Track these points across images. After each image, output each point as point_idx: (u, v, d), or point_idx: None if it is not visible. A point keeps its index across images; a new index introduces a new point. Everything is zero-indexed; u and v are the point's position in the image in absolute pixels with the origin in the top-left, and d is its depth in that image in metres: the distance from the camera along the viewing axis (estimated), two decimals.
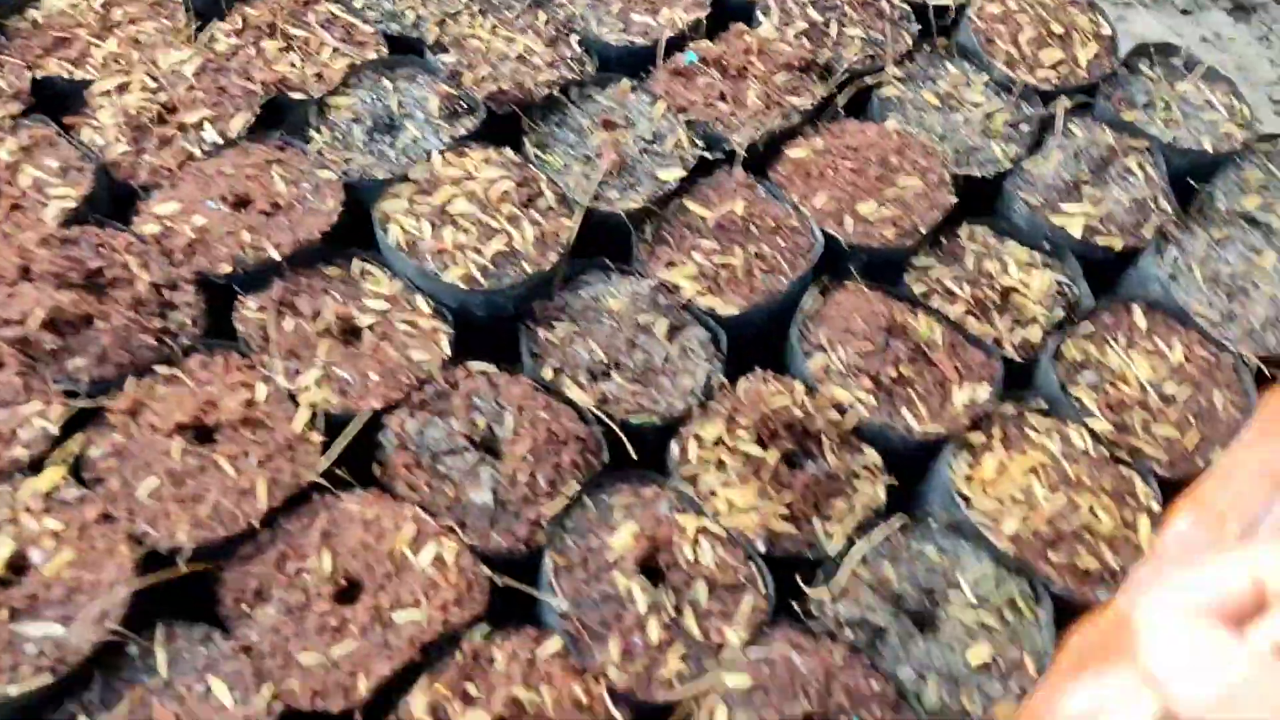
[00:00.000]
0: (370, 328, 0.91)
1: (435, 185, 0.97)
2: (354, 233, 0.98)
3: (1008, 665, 0.79)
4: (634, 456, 0.86)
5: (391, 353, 0.89)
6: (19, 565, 0.75)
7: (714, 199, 1.01)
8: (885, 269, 1.01)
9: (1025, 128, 1.11)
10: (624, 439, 0.85)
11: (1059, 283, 1.02)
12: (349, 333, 0.91)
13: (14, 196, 0.95)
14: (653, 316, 0.93)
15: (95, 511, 0.77)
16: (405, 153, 1.02)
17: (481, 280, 0.91)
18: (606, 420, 0.86)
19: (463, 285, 0.91)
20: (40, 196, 0.95)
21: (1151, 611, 0.47)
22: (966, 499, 0.86)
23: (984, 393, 0.92)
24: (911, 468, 0.91)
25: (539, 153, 1.03)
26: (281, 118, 1.07)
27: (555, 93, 1.07)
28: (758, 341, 0.97)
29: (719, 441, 0.87)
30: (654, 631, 0.76)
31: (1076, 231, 1.02)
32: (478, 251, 0.93)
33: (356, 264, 0.96)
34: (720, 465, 0.86)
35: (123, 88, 1.05)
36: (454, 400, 0.86)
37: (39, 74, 1.05)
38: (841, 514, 0.85)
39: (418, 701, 0.72)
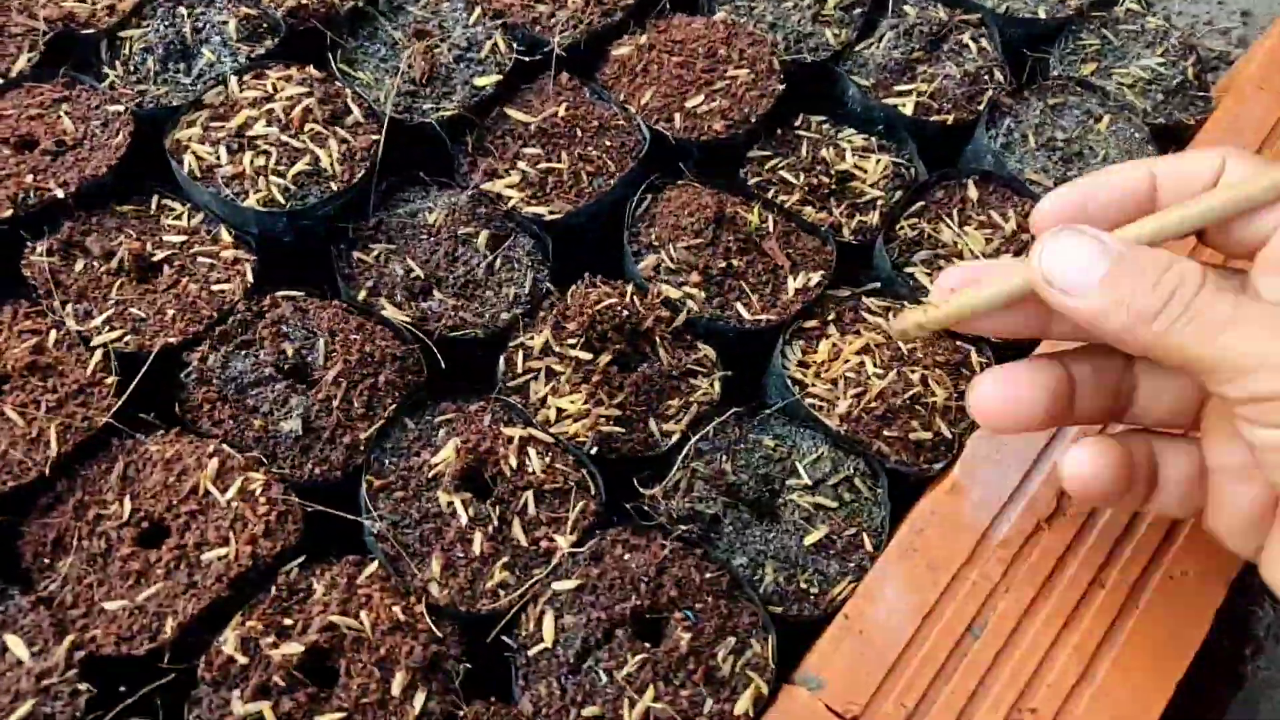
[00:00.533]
0: (167, 262, 0.86)
1: (232, 109, 0.91)
2: (156, 167, 0.91)
3: (845, 544, 0.78)
4: (452, 371, 0.82)
5: (191, 286, 0.84)
6: None
7: (536, 104, 0.97)
8: (720, 163, 0.98)
9: (858, 10, 1.08)
10: (437, 354, 0.81)
11: (896, 164, 1.00)
12: (146, 270, 0.86)
13: None
14: (474, 228, 0.89)
15: None
16: (201, 79, 0.95)
17: (282, 202, 0.86)
18: (422, 337, 0.82)
19: (262, 209, 0.85)
20: None
21: (1042, 213, 0.63)
22: (801, 384, 0.84)
23: (817, 278, 0.90)
24: (751, 360, 0.89)
25: (348, 69, 0.98)
26: (71, 54, 0.99)
27: (362, 4, 1.01)
28: (592, 246, 0.94)
29: (547, 349, 0.84)
30: (478, 544, 0.74)
31: (909, 111, 1.00)
32: (278, 174, 0.87)
33: (155, 199, 0.90)
34: (550, 373, 0.83)
35: None
36: (260, 330, 0.81)
37: None
38: (676, 412, 0.83)
39: (229, 638, 0.69)
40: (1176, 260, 0.55)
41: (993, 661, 0.73)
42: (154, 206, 0.90)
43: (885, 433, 0.82)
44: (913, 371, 0.85)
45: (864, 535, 0.79)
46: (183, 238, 0.87)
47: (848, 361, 0.85)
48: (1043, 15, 1.10)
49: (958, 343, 0.88)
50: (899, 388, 0.83)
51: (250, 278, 0.85)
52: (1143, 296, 0.53)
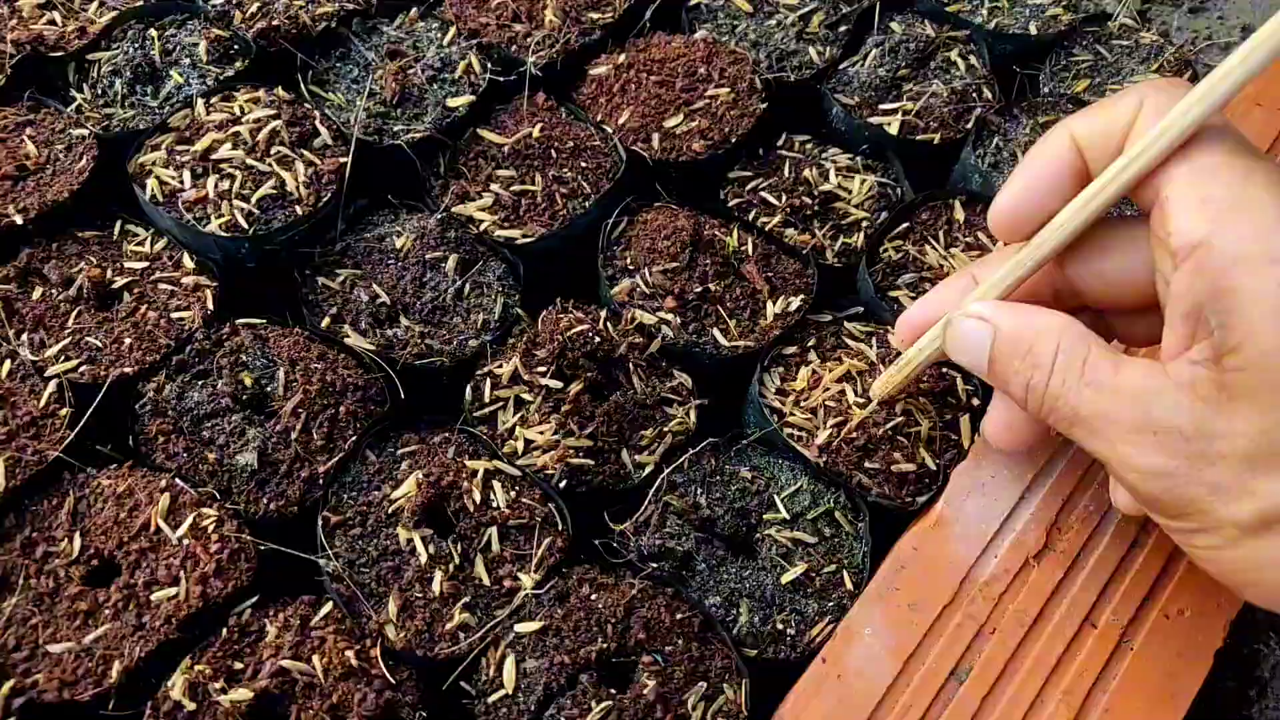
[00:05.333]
0: (127, 290, 0.83)
1: (198, 132, 0.89)
2: (121, 192, 0.89)
3: (824, 582, 0.75)
4: (418, 401, 0.79)
5: (150, 314, 0.82)
6: None
7: (510, 125, 0.95)
8: (700, 185, 0.95)
9: (843, 28, 1.05)
10: (398, 384, 0.78)
11: (881, 185, 0.97)
12: (105, 297, 0.83)
13: None
14: (443, 252, 0.86)
15: None
16: (169, 101, 0.93)
17: (245, 226, 0.84)
18: (386, 365, 0.79)
19: (224, 234, 0.83)
20: None
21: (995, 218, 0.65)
22: (779, 413, 0.81)
23: (797, 302, 0.87)
24: (728, 387, 0.86)
25: (319, 90, 0.96)
26: (39, 77, 0.97)
27: (335, 25, 0.99)
28: (566, 270, 0.91)
29: (516, 378, 0.81)
30: (437, 584, 0.70)
31: (895, 130, 0.98)
32: (243, 198, 0.85)
33: (118, 225, 0.88)
34: (518, 403, 0.80)
35: None
36: (218, 359, 0.79)
37: None
38: (650, 442, 0.80)
39: (177, 683, 0.66)
40: (1046, 332, 0.59)
41: (978, 708, 0.69)
42: (117, 232, 0.88)
43: (867, 464, 0.79)
44: (896, 401, 0.81)
45: (844, 573, 0.75)
46: (144, 264, 0.85)
47: (828, 390, 0.81)
48: (1033, 31, 1.08)
49: (943, 370, 0.85)
50: (881, 418, 0.80)
51: (210, 305, 0.82)
52: (1024, 371, 0.59)
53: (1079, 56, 1.08)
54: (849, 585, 0.75)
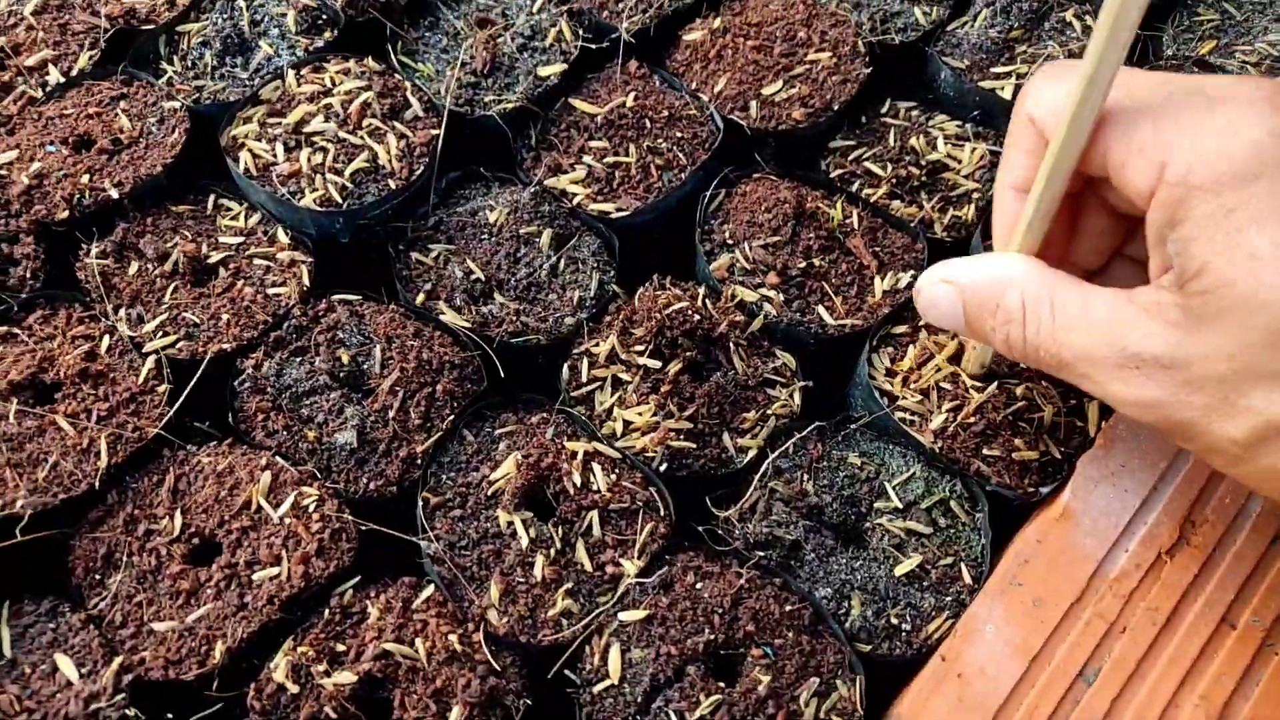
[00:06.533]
0: (223, 265, 0.82)
1: (289, 105, 0.87)
2: (213, 165, 0.88)
3: (940, 575, 0.71)
4: (514, 379, 0.77)
5: (246, 290, 0.81)
6: None
7: (602, 94, 0.91)
8: (800, 155, 0.91)
9: None
10: (497, 362, 0.76)
11: (993, 153, 0.92)
12: (201, 272, 0.83)
13: None
14: (536, 227, 0.84)
15: None
16: (259, 73, 0.92)
17: (339, 201, 0.82)
18: (482, 343, 0.77)
19: (319, 208, 0.81)
20: None
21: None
22: (890, 395, 0.77)
23: (907, 278, 0.82)
24: (834, 368, 0.82)
25: (408, 61, 0.93)
26: (130, 50, 0.97)
27: None
28: (661, 245, 0.88)
29: (613, 357, 0.78)
30: (539, 569, 0.68)
31: (1008, 94, 0.92)
32: (336, 171, 0.83)
33: (211, 199, 0.87)
34: (616, 383, 0.78)
35: None
36: (315, 336, 0.78)
37: None
38: (752, 425, 0.77)
39: (280, 665, 0.65)
40: (1008, 283, 0.59)
41: (1108, 710, 0.65)
42: (210, 206, 0.87)
43: (985, 451, 0.74)
44: (1016, 384, 0.77)
45: (962, 566, 0.71)
46: (239, 239, 0.84)
47: (941, 370, 0.77)
48: None
49: None
50: (1001, 401, 0.75)
51: (306, 280, 0.81)
52: (1000, 327, 0.59)
53: (1204, 16, 1.01)
54: (967, 579, 0.71)
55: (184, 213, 0.86)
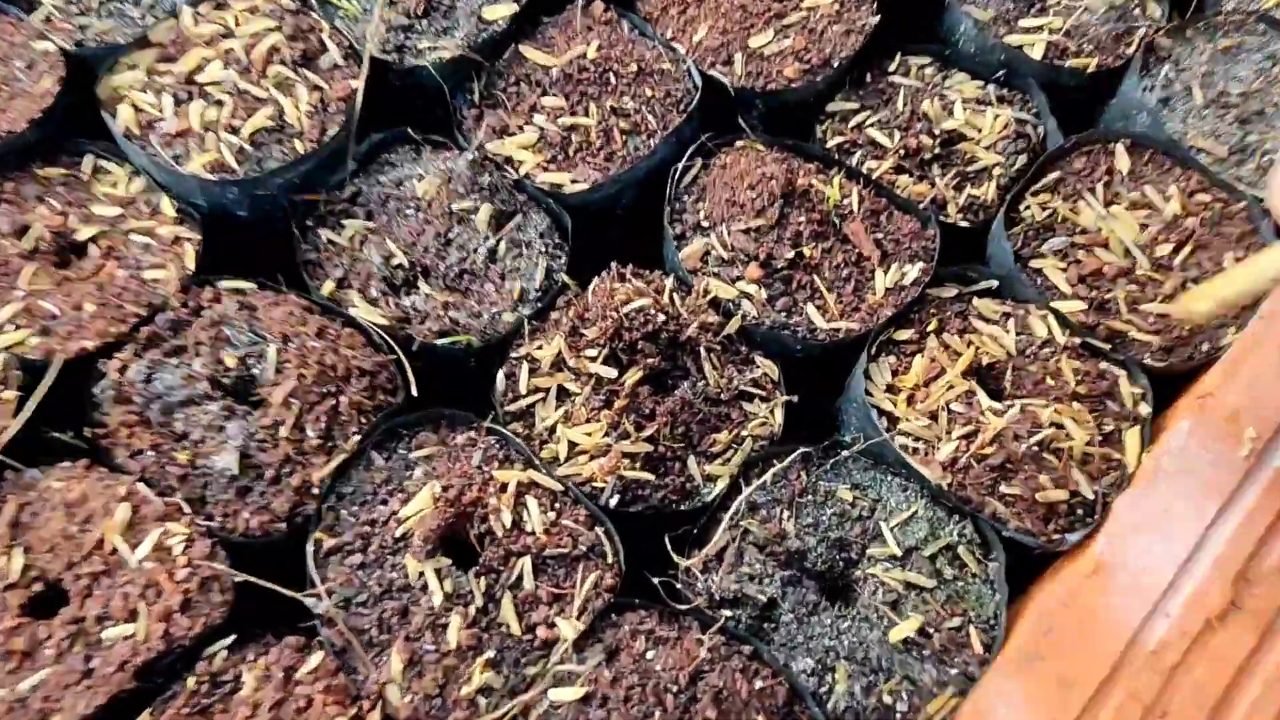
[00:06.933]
0: (94, 242, 0.69)
1: (183, 48, 0.73)
2: (94, 120, 0.74)
3: (945, 641, 0.59)
4: (438, 390, 0.64)
5: (118, 274, 0.67)
6: None
7: (560, 42, 0.77)
8: (793, 119, 0.77)
9: None
10: (409, 370, 0.63)
11: (1019, 122, 0.78)
12: (66, 251, 0.69)
13: None
14: (474, 202, 0.70)
15: None
16: (152, 10, 0.77)
17: (235, 167, 0.68)
18: (400, 345, 0.64)
19: (208, 175, 0.67)
20: None
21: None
22: (890, 417, 0.64)
23: (915, 272, 0.69)
24: (823, 380, 0.69)
25: None
26: None
27: None
28: (624, 227, 0.74)
29: (559, 363, 0.65)
30: (455, 632, 0.56)
31: (1038, 53, 0.78)
32: (232, 130, 0.69)
33: (88, 161, 0.73)
34: (561, 395, 0.65)
35: None
36: (195, 332, 0.64)
37: None
38: (724, 449, 0.64)
39: None
40: None
41: None
42: (87, 170, 0.73)
43: (1003, 488, 0.62)
44: (1042, 405, 0.64)
45: (971, 630, 0.59)
46: (116, 210, 0.70)
47: (953, 388, 0.64)
48: None
49: (1101, 366, 0.67)
50: (1024, 427, 0.62)
51: (190, 264, 0.68)
52: None
53: None
54: (977, 647, 0.58)
55: (54, 178, 0.72)
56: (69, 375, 0.63)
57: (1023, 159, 0.77)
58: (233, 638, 0.57)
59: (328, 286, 0.67)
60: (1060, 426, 0.63)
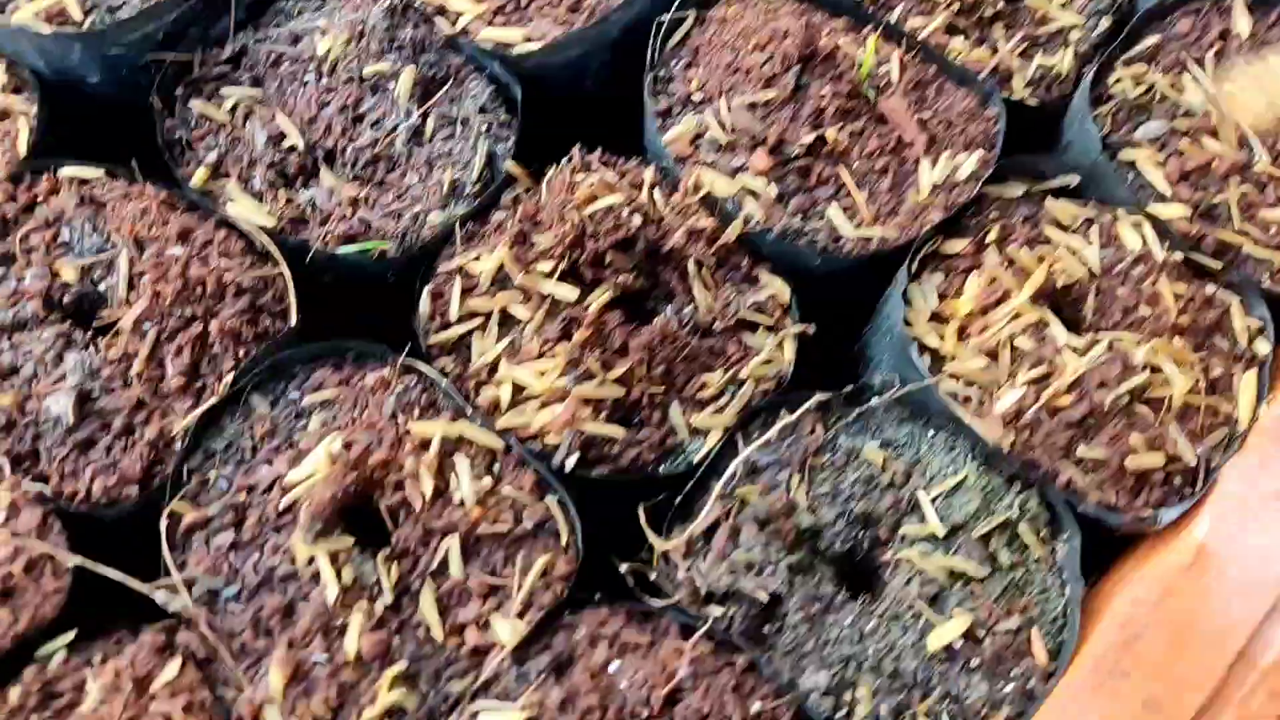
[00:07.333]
0: None
1: None
2: None
3: (999, 647, 0.46)
4: (340, 314, 0.49)
5: None
6: None
7: None
8: None
9: None
10: (291, 285, 0.48)
11: None
12: None
13: None
14: (392, 64, 0.54)
15: None
16: None
17: (78, 16, 0.52)
18: (282, 255, 0.49)
19: (43, 28, 0.51)
20: None
21: None
22: (934, 354, 0.49)
23: (971, 165, 0.53)
24: (849, 304, 0.54)
25: None
26: None
27: None
28: (591, 100, 0.58)
29: (503, 280, 0.50)
30: (355, 636, 0.43)
31: None
32: None
33: None
34: (505, 321, 0.50)
35: None
36: (25, 235, 0.49)
37: None
38: (716, 393, 0.50)
39: None
40: None
41: None
42: None
43: (1081, 449, 0.48)
44: (1134, 341, 0.49)
45: (1033, 633, 0.46)
46: None
47: (1019, 317, 0.50)
48: None
49: (1208, 289, 0.52)
50: (1110, 371, 0.48)
51: (23, 145, 0.53)
52: None
53: None
54: (1041, 656, 0.46)
55: None
56: None
57: (1108, 20, 0.61)
58: (72, 634, 0.44)
59: (199, 175, 0.52)
60: (1156, 370, 0.49)
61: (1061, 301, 0.52)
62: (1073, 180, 0.55)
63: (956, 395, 0.49)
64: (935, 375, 0.49)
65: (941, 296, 0.51)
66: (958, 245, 0.52)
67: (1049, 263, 0.52)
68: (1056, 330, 0.50)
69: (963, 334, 0.50)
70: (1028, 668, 0.46)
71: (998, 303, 0.51)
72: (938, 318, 0.51)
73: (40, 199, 0.51)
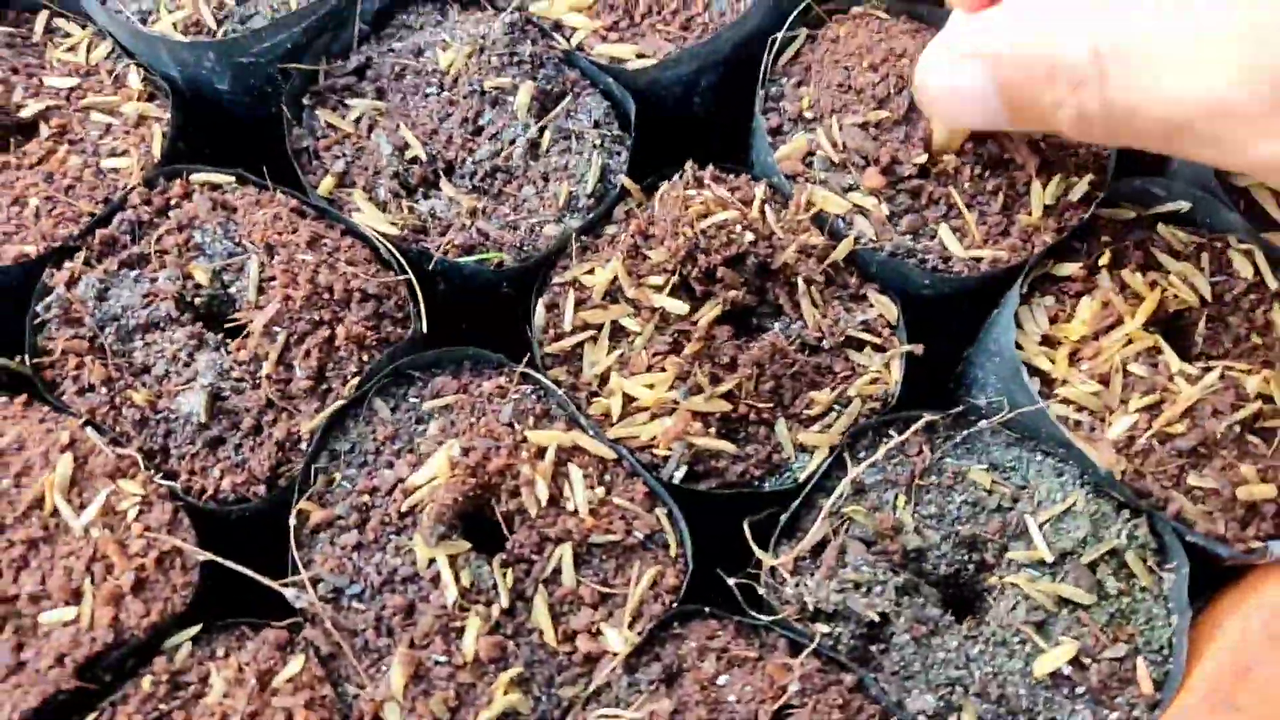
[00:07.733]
0: (44, 120, 0.55)
1: None
2: None
3: (1106, 675, 0.45)
4: (460, 322, 0.51)
5: (71, 161, 0.54)
6: None
7: None
8: None
9: None
10: (418, 293, 0.49)
11: None
12: (12, 130, 0.56)
13: None
14: (511, 79, 0.55)
15: None
16: None
17: (212, 26, 0.54)
18: (408, 263, 0.50)
19: (179, 36, 0.53)
20: None
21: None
22: (1044, 378, 0.49)
23: (1083, 188, 0.53)
24: (958, 325, 0.54)
25: None
26: None
27: None
28: (703, 116, 0.59)
29: (615, 293, 0.51)
30: (472, 639, 0.44)
31: None
32: None
33: (43, 18, 0.59)
34: (617, 333, 0.51)
35: None
36: (160, 238, 0.51)
37: None
38: (824, 411, 0.50)
39: None
40: (1065, 32, 0.40)
41: None
42: (39, 29, 0.59)
43: (1191, 478, 0.47)
44: (1245, 369, 0.48)
45: (1139, 662, 0.46)
46: (72, 81, 0.57)
47: (1132, 343, 0.49)
48: None
49: None
50: (1223, 400, 0.47)
51: (157, 150, 0.54)
52: (1055, 99, 0.41)
53: None
54: (1147, 685, 0.45)
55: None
56: (6, 287, 0.51)
57: None
58: (197, 628, 0.45)
59: (326, 184, 0.53)
60: (1269, 399, 0.48)
61: (1172, 328, 0.52)
62: (1184, 205, 0.54)
63: (1067, 419, 0.49)
64: (1046, 399, 0.49)
65: (1052, 320, 0.51)
66: (1069, 268, 0.52)
67: (1161, 289, 0.51)
68: (1169, 357, 0.49)
69: (1074, 358, 0.50)
70: (1133, 696, 0.45)
71: (1110, 328, 0.50)
72: (1048, 341, 0.51)
73: (174, 203, 0.53)
